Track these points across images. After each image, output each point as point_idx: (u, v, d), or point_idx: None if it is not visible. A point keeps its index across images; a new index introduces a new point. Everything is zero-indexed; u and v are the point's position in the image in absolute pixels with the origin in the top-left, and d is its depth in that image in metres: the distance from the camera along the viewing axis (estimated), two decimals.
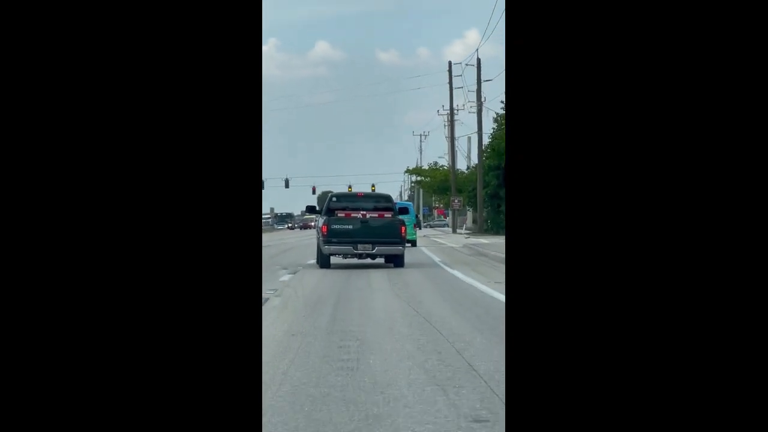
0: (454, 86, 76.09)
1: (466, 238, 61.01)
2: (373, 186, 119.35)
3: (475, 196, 74.21)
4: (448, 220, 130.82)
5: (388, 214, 25.56)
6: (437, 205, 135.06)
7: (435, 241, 56.01)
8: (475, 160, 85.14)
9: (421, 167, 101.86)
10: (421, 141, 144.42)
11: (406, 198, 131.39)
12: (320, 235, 25.22)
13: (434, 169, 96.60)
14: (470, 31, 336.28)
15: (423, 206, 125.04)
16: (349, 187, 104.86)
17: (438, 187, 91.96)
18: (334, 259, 25.46)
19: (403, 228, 24.99)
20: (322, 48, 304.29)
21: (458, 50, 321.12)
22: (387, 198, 26.81)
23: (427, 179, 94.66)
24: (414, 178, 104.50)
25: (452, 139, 78.94)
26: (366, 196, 26.94)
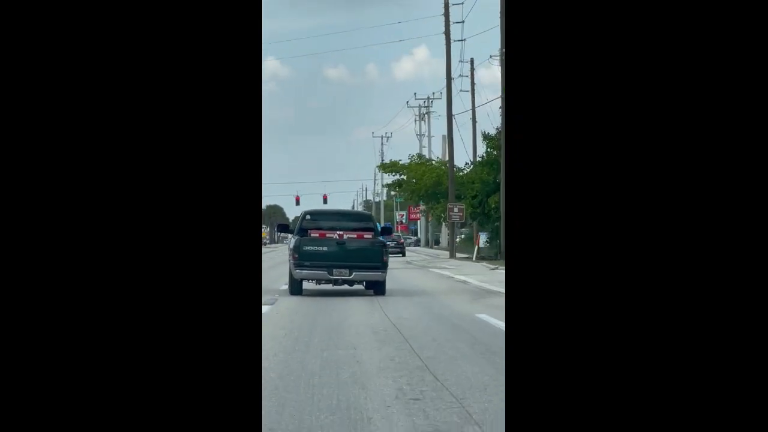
0: (452, 39, 52.63)
1: (492, 268, 38.02)
2: (324, 196, 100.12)
3: (481, 204, 50.91)
4: (415, 237, 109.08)
5: (368, 235, 23.06)
6: (400, 221, 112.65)
7: (451, 277, 32.38)
8: (462, 160, 60.99)
9: (398, 162, 73.52)
10: (382, 144, 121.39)
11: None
12: (291, 257, 23.10)
13: (421, 163, 70.18)
14: (419, 48, 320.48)
15: (385, 221, 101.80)
16: (296, 197, 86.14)
17: (425, 191, 66.39)
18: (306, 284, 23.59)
19: (384, 251, 22.77)
20: (272, 64, 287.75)
21: (407, 67, 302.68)
22: (367, 217, 25.69)
23: (411, 180, 68.00)
24: (384, 180, 79.04)
25: (450, 116, 53.87)
26: (343, 215, 25.67)
